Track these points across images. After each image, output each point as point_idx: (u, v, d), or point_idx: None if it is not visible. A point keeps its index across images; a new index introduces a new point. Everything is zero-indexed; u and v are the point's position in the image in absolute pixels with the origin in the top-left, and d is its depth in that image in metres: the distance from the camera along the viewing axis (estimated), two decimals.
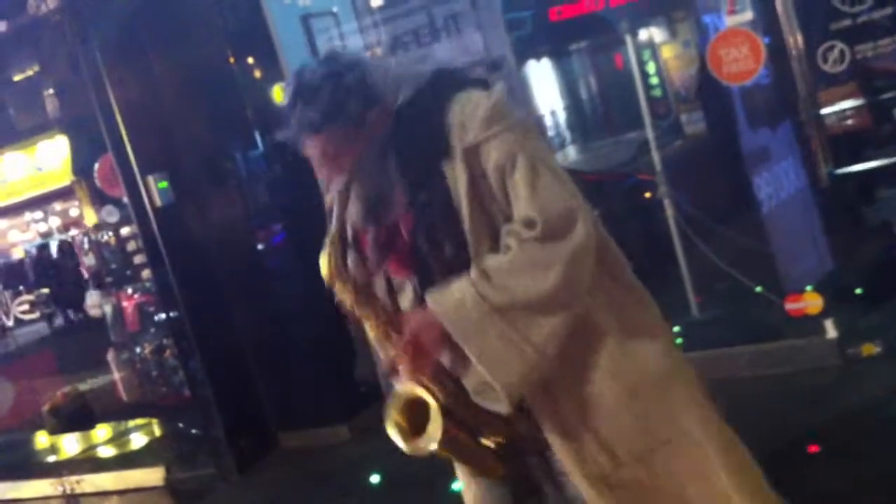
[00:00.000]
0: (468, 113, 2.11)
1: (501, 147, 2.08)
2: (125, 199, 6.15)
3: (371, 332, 2.24)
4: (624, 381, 2.19)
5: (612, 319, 2.21)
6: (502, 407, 2.15)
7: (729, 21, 4.96)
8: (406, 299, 2.28)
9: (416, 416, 2.14)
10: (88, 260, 7.23)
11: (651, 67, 16.26)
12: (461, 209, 2.11)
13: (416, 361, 2.12)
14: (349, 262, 2.20)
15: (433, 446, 2.11)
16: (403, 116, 2.16)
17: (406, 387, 2.16)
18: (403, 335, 2.13)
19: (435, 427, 2.10)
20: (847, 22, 4.98)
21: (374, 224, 2.22)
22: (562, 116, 19.39)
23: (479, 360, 2.07)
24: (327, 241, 2.17)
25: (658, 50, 16.46)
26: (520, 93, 7.55)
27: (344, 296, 2.19)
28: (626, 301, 2.26)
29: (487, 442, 2.25)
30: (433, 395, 2.14)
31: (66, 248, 13.07)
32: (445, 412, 2.13)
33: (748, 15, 4.91)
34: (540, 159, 2.10)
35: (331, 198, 2.18)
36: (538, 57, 18.56)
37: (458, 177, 2.10)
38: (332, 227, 2.14)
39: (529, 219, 2.05)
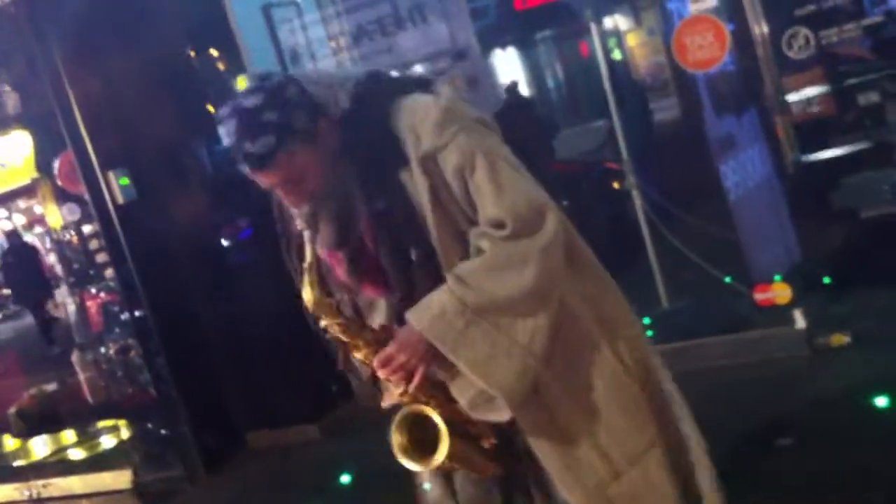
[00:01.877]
0: (419, 120, 2.05)
1: (456, 152, 2.03)
2: (86, 196, 6.05)
3: (357, 355, 2.17)
4: (612, 379, 2.17)
5: (589, 313, 2.19)
6: (500, 416, 2.10)
7: (693, 8, 4.94)
8: (379, 317, 2.25)
9: (415, 432, 2.12)
10: (50, 259, 7.13)
11: (617, 55, 16.29)
12: (426, 218, 2.06)
13: (407, 381, 2.07)
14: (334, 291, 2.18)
15: (440, 460, 2.09)
16: (350, 124, 2.09)
17: (410, 408, 2.13)
18: (391, 357, 2.06)
19: (444, 445, 2.07)
20: (812, 7, 4.99)
21: (345, 243, 2.16)
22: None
23: (471, 370, 2.02)
24: (304, 271, 2.09)
25: (624, 38, 16.49)
26: (485, 82, 7.49)
27: (330, 326, 2.13)
28: (596, 292, 2.24)
29: (484, 444, 2.22)
30: (432, 410, 2.11)
31: (28, 247, 12.89)
32: (448, 426, 2.09)
33: (712, 1, 4.89)
34: (498, 156, 2.07)
35: (299, 225, 2.11)
36: (504, 46, 18.55)
37: (417, 185, 2.05)
38: (307, 256, 2.07)
39: (498, 219, 2.01)
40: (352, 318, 2.18)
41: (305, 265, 2.08)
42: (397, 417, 2.15)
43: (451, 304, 2.01)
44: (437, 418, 2.09)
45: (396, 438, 2.14)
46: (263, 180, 2.04)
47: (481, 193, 2.03)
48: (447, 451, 2.07)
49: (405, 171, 2.06)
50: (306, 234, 2.08)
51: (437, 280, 2.06)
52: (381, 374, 2.09)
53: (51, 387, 8.64)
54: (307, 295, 2.09)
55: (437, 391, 2.15)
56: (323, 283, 2.16)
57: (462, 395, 2.12)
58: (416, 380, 2.06)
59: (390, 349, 2.07)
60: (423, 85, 2.17)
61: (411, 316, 2.05)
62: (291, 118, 2.00)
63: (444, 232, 2.07)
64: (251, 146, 1.97)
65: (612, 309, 2.26)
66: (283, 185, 2.06)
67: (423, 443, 2.11)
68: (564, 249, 2.13)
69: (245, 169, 2.02)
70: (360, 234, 2.15)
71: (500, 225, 2.01)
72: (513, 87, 10.89)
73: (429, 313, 2.03)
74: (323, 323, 2.13)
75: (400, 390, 2.10)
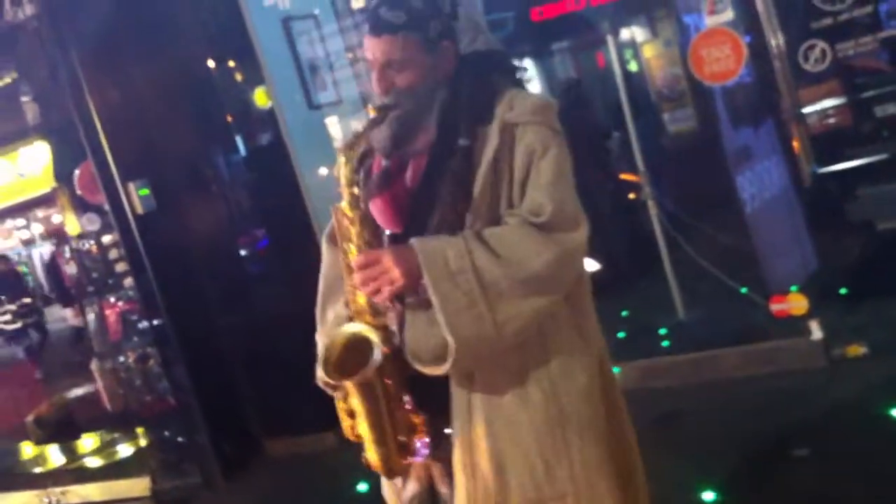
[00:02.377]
0: (520, 97, 2.16)
1: (538, 135, 2.11)
2: (106, 207, 6.10)
3: (346, 259, 2.20)
4: (543, 418, 2.16)
5: (555, 356, 2.18)
6: (440, 369, 2.10)
7: (709, 21, 4.95)
8: None
9: (350, 361, 2.09)
10: (70, 269, 7.17)
11: (633, 66, 16.28)
12: (477, 174, 2.11)
13: (377, 284, 2.06)
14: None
15: (356, 380, 2.07)
16: (465, 67, 2.21)
17: (353, 326, 2.13)
18: (377, 258, 2.07)
19: (370, 366, 2.05)
20: (828, 20, 4.98)
21: (394, 150, 2.21)
22: None
23: (439, 305, 2.02)
24: (342, 147, 2.16)
25: (640, 49, 16.48)
26: None
27: (344, 209, 2.16)
28: (574, 340, 2.23)
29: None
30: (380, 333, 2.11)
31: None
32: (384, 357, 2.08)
33: (728, 14, 4.90)
34: (567, 164, 2.14)
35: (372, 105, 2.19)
36: (520, 57, 18.54)
37: (487, 143, 2.11)
38: (352, 136, 2.15)
39: (541, 206, 2.06)
40: (361, 203, 2.19)
41: (344, 144, 2.17)
42: (343, 332, 2.14)
43: (457, 245, 2.04)
44: (371, 334, 2.08)
45: (332, 351, 2.13)
46: (373, 50, 2.15)
47: (538, 179, 2.09)
48: (366, 375, 2.05)
49: (485, 128, 2.13)
50: (367, 122, 2.15)
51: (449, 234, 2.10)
52: (357, 273, 2.08)
53: (69, 395, 8.72)
54: (338, 170, 2.15)
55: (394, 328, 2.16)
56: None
57: (413, 339, 2.12)
58: (388, 293, 2.06)
59: (380, 251, 2.10)
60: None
61: (416, 239, 2.08)
62: (429, 19, 2.14)
63: (483, 198, 2.11)
64: (385, 11, 2.12)
65: (591, 327, 2.28)
66: (385, 64, 2.15)
67: (346, 366, 2.10)
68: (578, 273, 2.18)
69: (366, 33, 2.15)
70: (409, 156, 2.21)
71: (538, 213, 2.06)
72: (569, 86, 10.59)
73: (433, 242, 2.07)
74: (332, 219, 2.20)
75: (363, 296, 2.11)
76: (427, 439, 2.20)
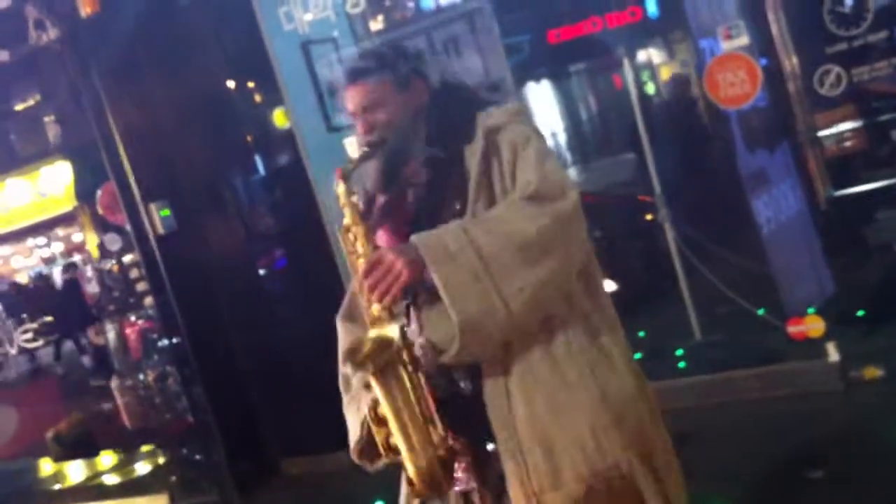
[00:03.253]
0: (494, 108, 2.34)
1: (519, 131, 2.26)
2: (127, 227, 6.17)
3: (353, 256, 2.26)
4: (584, 395, 2.19)
5: (583, 328, 2.23)
6: (449, 355, 2.13)
7: (725, 45, 4.99)
8: None
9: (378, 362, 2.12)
10: (91, 288, 7.24)
11: (650, 88, 16.32)
12: (471, 178, 2.23)
13: (384, 283, 2.11)
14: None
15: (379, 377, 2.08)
16: (442, 95, 2.37)
17: (373, 332, 2.15)
18: (381, 259, 2.12)
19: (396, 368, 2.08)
20: (843, 46, 5.00)
21: (387, 185, 2.31)
22: (562, 137, 19.45)
23: (444, 288, 2.07)
24: (339, 176, 2.24)
25: (657, 71, 16.53)
26: None
27: (347, 225, 2.24)
28: (603, 326, 2.28)
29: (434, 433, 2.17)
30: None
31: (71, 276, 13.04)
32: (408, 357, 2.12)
33: (744, 39, 4.93)
34: (548, 149, 2.28)
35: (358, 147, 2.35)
36: (537, 79, 18.63)
37: (475, 150, 2.25)
38: (348, 164, 2.27)
39: (527, 181, 2.17)
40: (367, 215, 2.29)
41: (341, 171, 2.25)
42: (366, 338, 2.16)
43: (453, 227, 2.14)
44: (395, 334, 2.11)
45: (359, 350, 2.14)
46: (352, 97, 2.33)
47: (525, 163, 2.21)
48: (391, 357, 2.08)
49: (470, 145, 2.27)
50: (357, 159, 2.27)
51: None
52: (366, 280, 2.13)
53: (88, 412, 8.76)
54: (339, 192, 2.23)
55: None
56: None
57: (432, 329, 2.18)
58: (395, 288, 2.11)
59: (381, 251, 2.16)
60: None
61: (415, 235, 2.15)
62: (397, 62, 2.33)
63: (479, 201, 2.22)
64: (359, 61, 2.37)
65: (609, 348, 2.27)
66: (363, 108, 2.32)
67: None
68: (582, 261, 2.23)
69: (343, 84, 2.35)
70: (404, 187, 2.32)
71: (526, 186, 2.16)
72: None
73: (431, 232, 2.15)
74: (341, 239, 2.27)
75: (374, 303, 2.14)
76: (465, 464, 2.23)
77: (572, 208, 2.17)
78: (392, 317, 2.17)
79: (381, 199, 2.33)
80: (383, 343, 2.12)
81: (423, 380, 2.15)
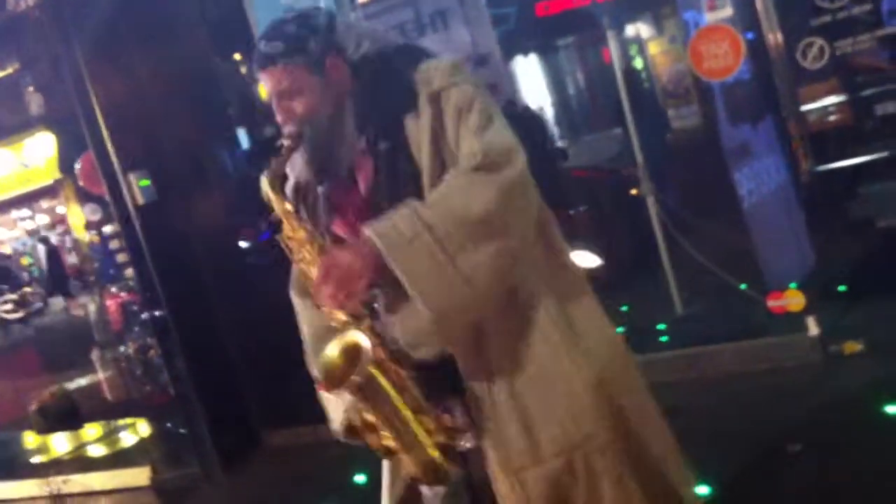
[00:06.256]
0: (433, 68, 2.21)
1: (461, 92, 2.16)
2: (107, 197, 6.12)
3: (301, 264, 2.22)
4: (562, 363, 2.18)
5: (553, 308, 2.20)
6: (429, 351, 2.11)
7: (709, 17, 4.96)
8: None
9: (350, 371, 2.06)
10: (72, 259, 7.21)
11: (638, 63, 16.26)
12: (422, 151, 2.15)
13: (344, 288, 2.05)
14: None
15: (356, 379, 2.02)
16: (363, 71, 2.22)
17: (336, 342, 2.10)
18: (336, 262, 2.07)
19: (364, 358, 2.02)
20: (827, 18, 4.98)
21: (320, 174, 2.24)
22: (549, 111, 19.38)
23: (407, 280, 2.01)
24: (265, 178, 2.19)
25: (645, 45, 16.47)
26: (506, 88, 7.53)
27: (288, 233, 2.20)
28: (568, 290, 2.26)
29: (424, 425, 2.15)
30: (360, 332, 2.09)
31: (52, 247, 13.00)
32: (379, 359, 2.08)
33: (728, 10, 4.91)
34: (493, 108, 2.19)
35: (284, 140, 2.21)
36: (525, 52, 18.55)
37: (421, 118, 2.16)
38: (273, 166, 2.19)
39: (473, 152, 2.10)
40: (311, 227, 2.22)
41: (266, 175, 2.19)
42: (333, 347, 2.11)
43: (404, 214, 2.05)
44: (359, 337, 2.06)
45: (332, 368, 2.10)
46: (265, 83, 2.18)
47: (469, 130, 2.13)
48: (363, 370, 2.02)
49: (412, 116, 2.17)
50: (283, 154, 2.18)
51: None
52: (323, 289, 2.06)
53: (71, 384, 8.74)
54: (273, 200, 2.19)
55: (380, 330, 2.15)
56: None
57: (403, 328, 2.13)
58: (359, 290, 2.06)
59: (333, 254, 2.10)
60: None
61: (366, 225, 2.07)
62: (306, 40, 2.16)
63: (434, 170, 2.14)
64: (264, 46, 2.17)
65: (580, 314, 2.26)
66: (278, 95, 2.19)
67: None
68: (538, 225, 2.20)
69: (256, 70, 2.20)
70: (345, 173, 2.24)
71: (472, 156, 2.10)
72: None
73: (382, 221, 2.06)
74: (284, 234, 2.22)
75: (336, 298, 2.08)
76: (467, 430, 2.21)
77: (519, 175, 2.10)
78: (357, 319, 2.13)
79: (319, 192, 2.26)
80: (353, 354, 2.06)
81: (402, 373, 2.12)
